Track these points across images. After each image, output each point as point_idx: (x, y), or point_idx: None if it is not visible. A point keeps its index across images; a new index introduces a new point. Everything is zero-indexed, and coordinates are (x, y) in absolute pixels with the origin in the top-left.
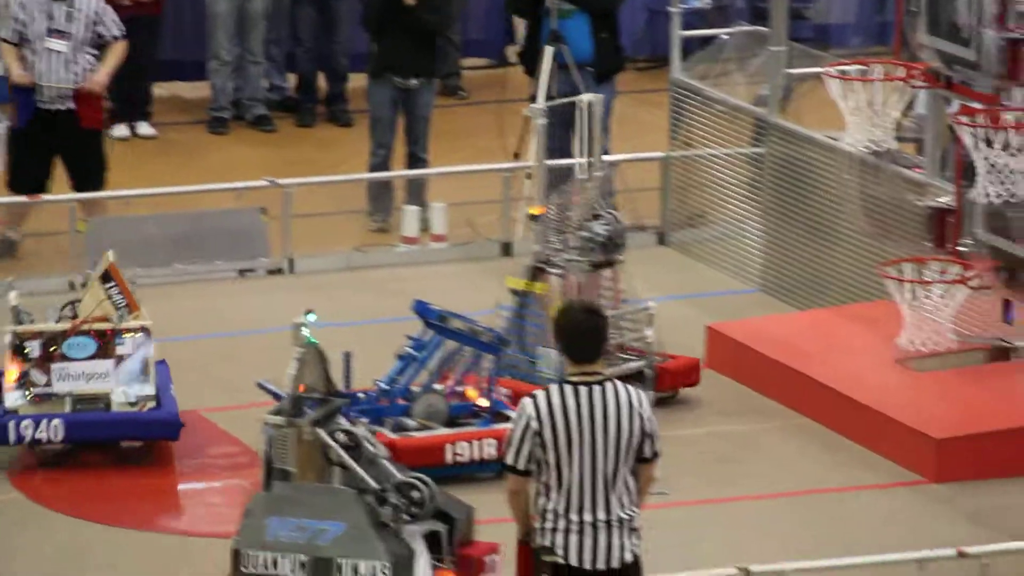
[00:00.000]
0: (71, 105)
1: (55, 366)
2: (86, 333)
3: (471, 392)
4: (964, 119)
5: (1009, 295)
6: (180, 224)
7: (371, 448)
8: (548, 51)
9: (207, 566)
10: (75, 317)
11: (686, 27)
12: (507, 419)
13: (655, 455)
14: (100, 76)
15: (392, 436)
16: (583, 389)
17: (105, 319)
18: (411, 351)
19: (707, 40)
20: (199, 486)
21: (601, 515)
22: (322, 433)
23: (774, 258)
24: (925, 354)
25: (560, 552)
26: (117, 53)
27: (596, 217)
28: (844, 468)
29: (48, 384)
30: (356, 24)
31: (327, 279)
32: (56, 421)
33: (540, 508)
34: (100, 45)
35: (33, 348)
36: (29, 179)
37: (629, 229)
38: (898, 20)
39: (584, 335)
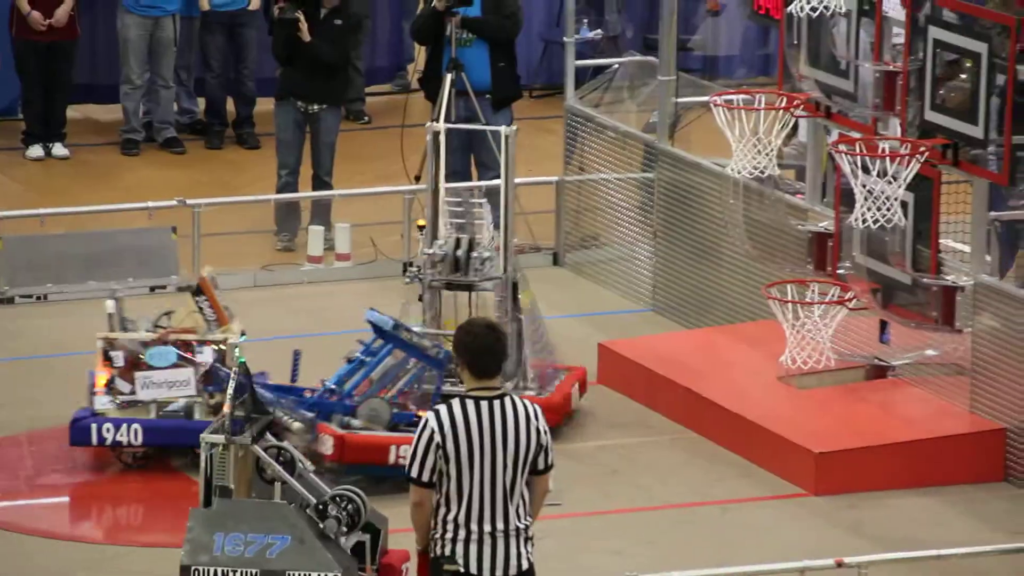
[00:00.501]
0: None
1: (139, 374)
2: (170, 343)
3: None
4: (843, 147)
5: (885, 316)
6: (94, 242)
7: (302, 464)
8: (447, 78)
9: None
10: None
11: (579, 57)
12: None
13: (549, 467)
14: None
15: (339, 431)
16: (484, 403)
17: (191, 331)
18: (360, 356)
19: (600, 69)
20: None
21: (500, 525)
22: (259, 450)
23: (664, 278)
24: (806, 372)
25: (460, 561)
26: None
27: (460, 240)
28: (728, 481)
29: (132, 392)
30: (263, 50)
31: (236, 296)
32: (136, 426)
33: (440, 518)
34: None
35: (118, 357)
36: None
37: (483, 258)
38: (780, 52)
39: (486, 351)
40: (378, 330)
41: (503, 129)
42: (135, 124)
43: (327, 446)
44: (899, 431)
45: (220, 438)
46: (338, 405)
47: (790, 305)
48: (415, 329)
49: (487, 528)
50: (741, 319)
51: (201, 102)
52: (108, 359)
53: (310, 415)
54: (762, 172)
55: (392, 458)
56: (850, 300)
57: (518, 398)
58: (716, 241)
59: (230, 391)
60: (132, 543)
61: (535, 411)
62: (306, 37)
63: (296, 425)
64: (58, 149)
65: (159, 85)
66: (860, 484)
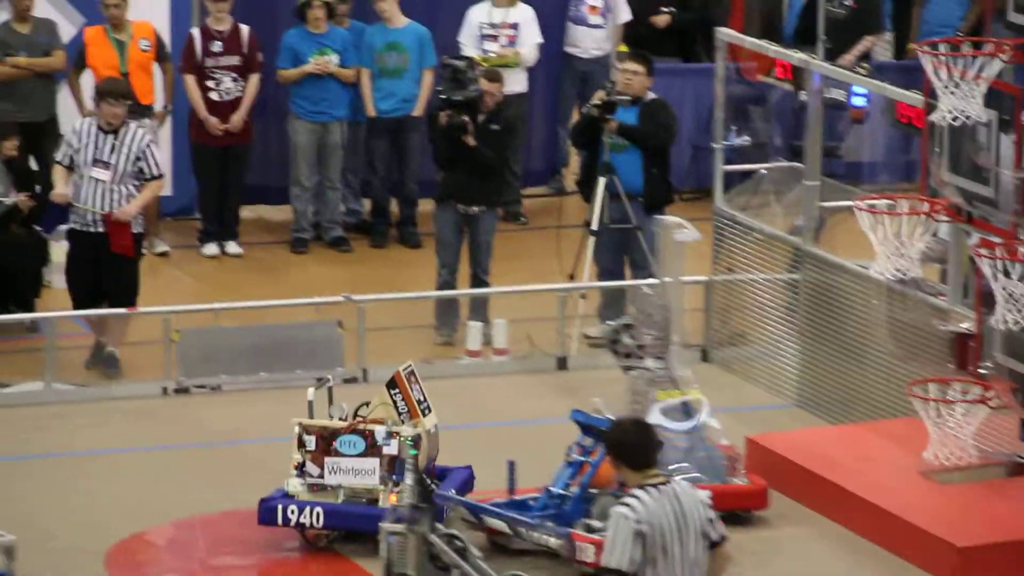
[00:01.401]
0: (102, 229)
1: (328, 460)
2: (360, 433)
3: None
4: (983, 251)
5: None
6: (264, 335)
7: (473, 551)
8: (601, 181)
9: None
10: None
11: (728, 162)
12: None
13: (723, 537)
14: (130, 207)
15: (592, 536)
16: (663, 488)
17: (381, 422)
18: (578, 457)
19: (747, 174)
20: None
21: None
22: (436, 539)
23: (809, 375)
24: (949, 468)
25: None
26: (151, 189)
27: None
28: (872, 571)
29: (321, 476)
30: (425, 154)
31: None
32: (318, 509)
33: None
34: (142, 179)
35: (310, 441)
36: (81, 294)
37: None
38: (923, 159)
39: (643, 446)
40: (586, 429)
41: (681, 235)
42: (304, 224)
43: (588, 553)
44: None
45: (400, 527)
46: (575, 509)
47: (933, 403)
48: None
49: None
50: (884, 416)
51: (366, 203)
52: (302, 443)
53: (564, 530)
54: (904, 274)
55: None
56: (991, 399)
57: (680, 479)
58: (860, 340)
59: (408, 482)
60: None
61: (695, 486)
62: (471, 142)
63: (555, 543)
64: (232, 247)
65: (327, 187)
66: None
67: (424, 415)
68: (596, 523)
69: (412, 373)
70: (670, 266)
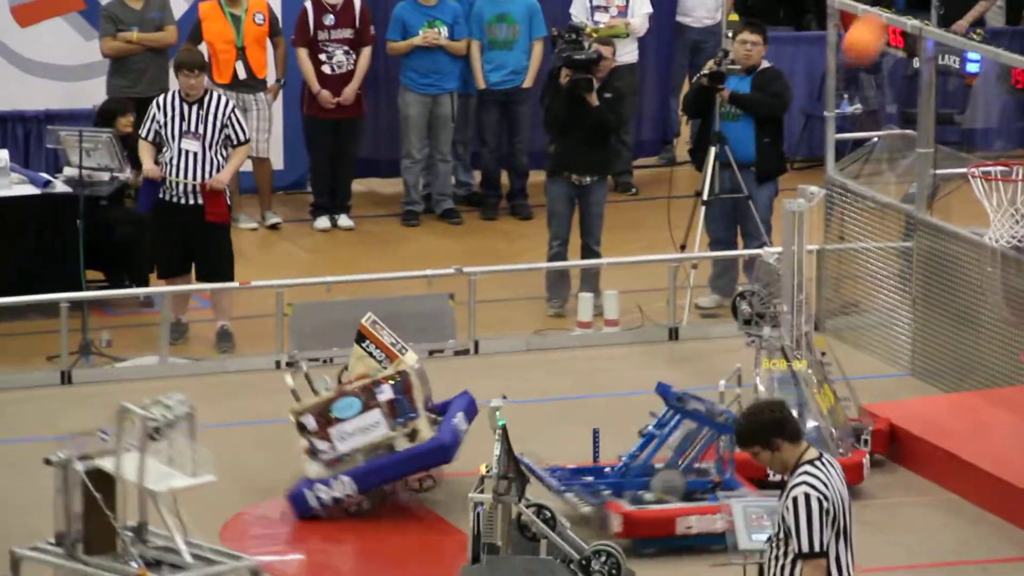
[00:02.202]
0: (198, 200)
1: (332, 430)
2: (351, 393)
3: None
4: None
5: None
6: (376, 308)
7: (563, 520)
8: (712, 151)
9: None
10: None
11: (839, 131)
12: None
13: None
14: (223, 174)
15: (628, 507)
16: (823, 461)
17: (365, 376)
18: (652, 429)
19: (859, 142)
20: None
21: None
22: (524, 509)
23: (922, 345)
24: None
25: None
26: (240, 155)
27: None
28: (987, 541)
29: (333, 448)
30: (536, 126)
31: (509, 360)
32: (344, 478)
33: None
34: (230, 146)
35: (309, 421)
36: (172, 265)
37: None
38: None
39: (791, 418)
40: (667, 402)
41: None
42: (415, 196)
43: (616, 524)
44: None
45: (488, 497)
46: (632, 480)
47: None
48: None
49: None
50: (999, 384)
51: (477, 175)
52: (303, 427)
53: (597, 500)
54: (1020, 241)
55: (680, 529)
56: None
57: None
58: (974, 308)
59: (496, 452)
60: None
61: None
62: (595, 101)
63: (586, 509)
64: (343, 220)
65: (437, 159)
66: None
67: (402, 354)
68: (648, 495)
69: (375, 322)
70: (785, 235)
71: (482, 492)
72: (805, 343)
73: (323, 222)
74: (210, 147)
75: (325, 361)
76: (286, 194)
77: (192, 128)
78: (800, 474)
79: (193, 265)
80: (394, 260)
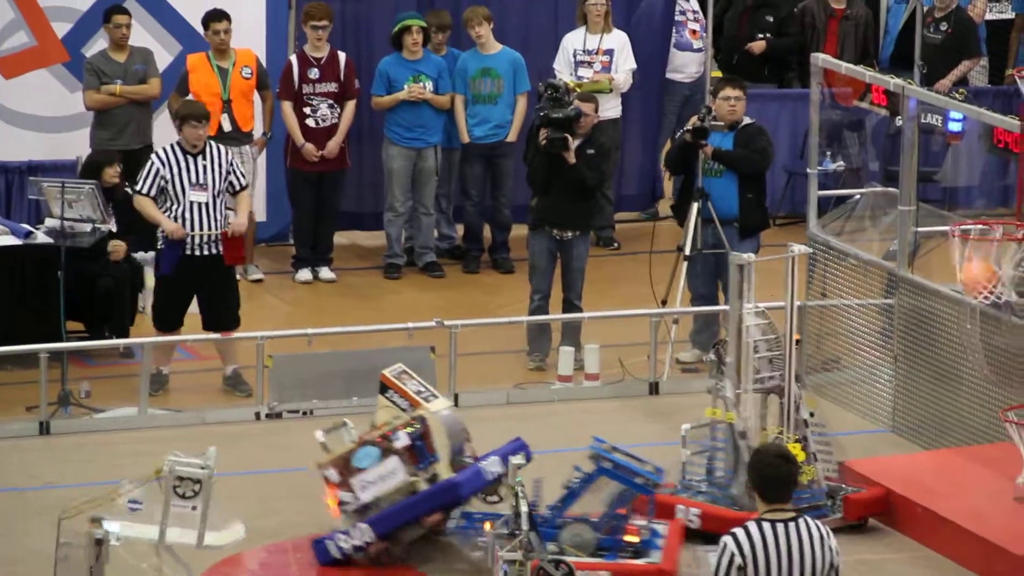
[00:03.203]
0: (215, 250)
1: (354, 481)
2: (370, 442)
3: (630, 533)
4: None
5: None
6: (357, 360)
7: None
8: (694, 206)
9: None
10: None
11: (822, 187)
12: (643, 556)
13: None
14: (240, 219)
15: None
16: (779, 525)
17: (384, 425)
18: (574, 483)
19: (842, 199)
20: None
21: None
22: (548, 565)
23: (904, 401)
24: None
25: None
26: (246, 200)
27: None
28: None
29: (356, 499)
30: (519, 180)
31: (489, 413)
32: (362, 525)
33: None
34: (232, 192)
35: (331, 474)
36: (173, 319)
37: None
38: (1020, 184)
39: (778, 480)
40: (593, 456)
41: (744, 257)
42: (397, 249)
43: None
44: None
45: (519, 556)
46: (544, 531)
47: None
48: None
49: None
50: (980, 441)
51: (459, 228)
52: (328, 480)
53: (487, 540)
54: (999, 299)
55: None
56: None
57: (811, 519)
58: (955, 365)
59: (523, 510)
60: None
61: (827, 531)
62: (571, 159)
63: (476, 554)
64: (325, 273)
65: (421, 212)
66: None
67: (427, 402)
68: (554, 546)
69: (404, 372)
70: (732, 288)
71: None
72: (789, 400)
73: (305, 274)
74: (217, 196)
75: (305, 413)
76: (268, 246)
77: (199, 180)
78: (742, 525)
79: (201, 314)
80: (375, 312)
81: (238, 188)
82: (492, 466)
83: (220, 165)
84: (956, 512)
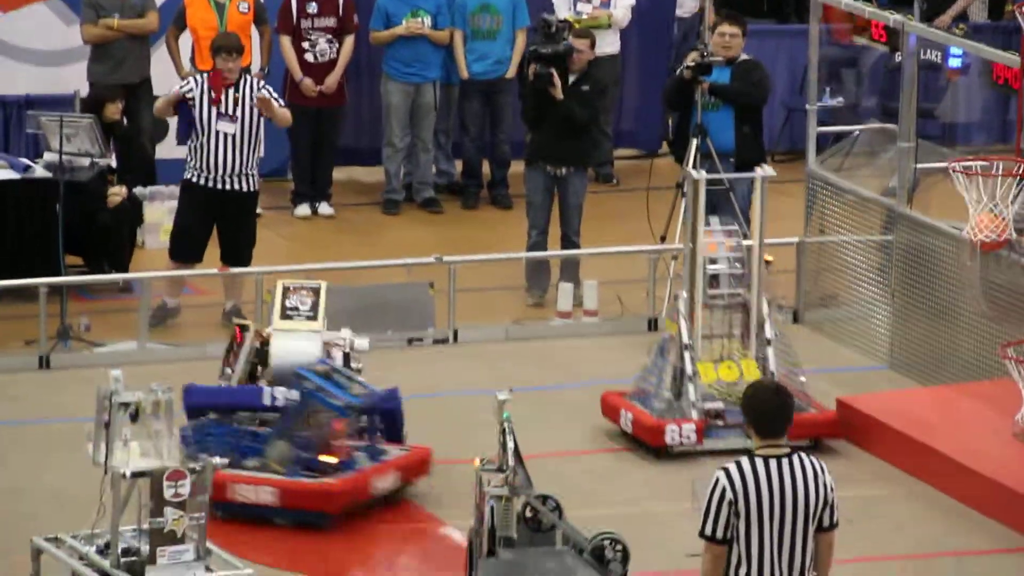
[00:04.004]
0: (238, 185)
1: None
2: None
3: (332, 454)
4: None
5: None
6: (356, 297)
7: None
8: (693, 142)
9: None
10: None
11: (821, 124)
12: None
13: (834, 524)
14: (275, 105)
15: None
16: (772, 461)
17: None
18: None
19: (840, 136)
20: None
21: None
22: (535, 501)
23: (901, 337)
24: None
25: None
26: (282, 110)
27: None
28: (962, 534)
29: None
30: (517, 116)
31: (488, 349)
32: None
33: (732, 574)
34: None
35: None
36: (190, 251)
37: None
38: (1019, 120)
39: (774, 414)
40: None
41: (759, 172)
42: (396, 185)
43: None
44: None
45: (505, 491)
46: (249, 447)
47: None
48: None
49: None
50: (976, 377)
51: (458, 165)
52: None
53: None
54: (998, 235)
55: (230, 495)
56: None
57: (805, 455)
58: (953, 302)
59: (510, 445)
60: None
61: (822, 467)
62: (559, 95)
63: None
64: (324, 208)
65: (419, 148)
66: None
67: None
68: (254, 462)
69: (301, 289)
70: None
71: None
72: (752, 318)
73: (303, 210)
74: (248, 131)
75: None
76: (266, 181)
77: (228, 111)
78: (735, 460)
79: (220, 247)
80: (374, 248)
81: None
82: (279, 393)
83: (253, 98)
84: (954, 448)
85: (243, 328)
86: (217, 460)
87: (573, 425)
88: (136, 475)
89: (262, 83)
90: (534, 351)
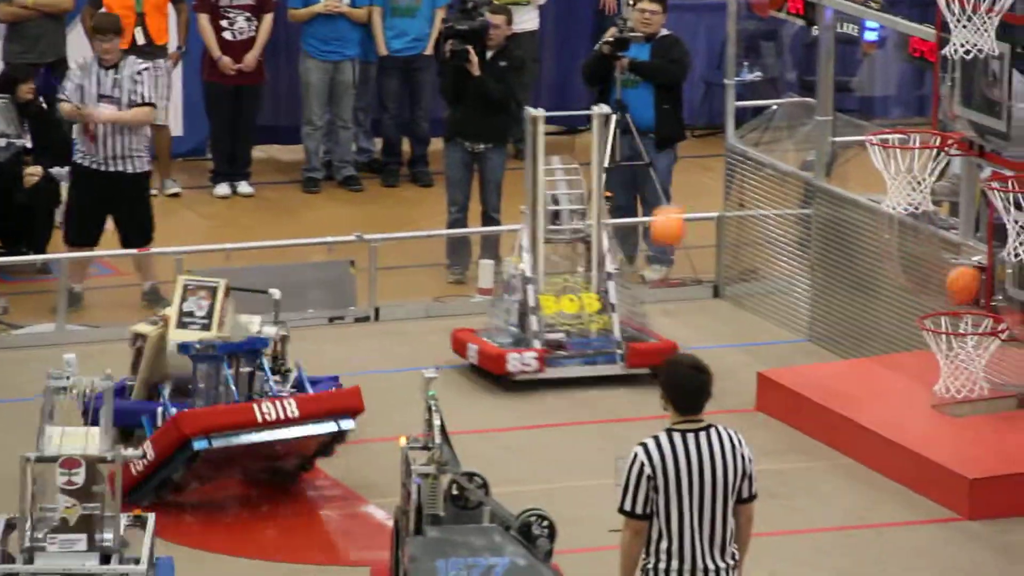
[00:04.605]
0: (122, 166)
1: None
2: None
3: None
4: (995, 184)
5: None
6: (276, 276)
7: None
8: (612, 118)
9: None
10: None
11: (739, 98)
12: None
13: (753, 495)
14: (107, 112)
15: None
16: (690, 436)
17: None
18: None
19: (759, 110)
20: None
21: (711, 562)
22: (462, 479)
23: (820, 310)
24: (960, 401)
25: None
26: (136, 112)
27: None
28: (884, 505)
29: None
30: (437, 93)
31: (409, 326)
32: None
33: (654, 549)
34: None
35: None
36: (84, 235)
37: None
38: (935, 93)
39: (692, 391)
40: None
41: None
42: (316, 163)
43: None
44: None
45: (432, 469)
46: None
47: (944, 336)
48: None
49: (700, 563)
50: (896, 349)
51: (378, 142)
52: None
53: None
54: (916, 208)
55: None
56: (1003, 331)
57: (723, 428)
58: (872, 274)
59: (437, 423)
60: None
61: (740, 439)
62: (475, 71)
63: None
64: (243, 187)
65: (338, 126)
66: (1012, 509)
67: (179, 327)
68: None
69: (200, 287)
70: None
71: (422, 464)
72: (593, 252)
73: (223, 189)
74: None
75: None
76: (185, 161)
77: (108, 92)
78: (652, 436)
79: (118, 232)
80: (295, 227)
81: (139, 102)
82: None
83: (129, 79)
84: (875, 421)
85: (142, 336)
86: (130, 452)
87: (497, 402)
88: (40, 460)
89: (142, 66)
90: (456, 327)
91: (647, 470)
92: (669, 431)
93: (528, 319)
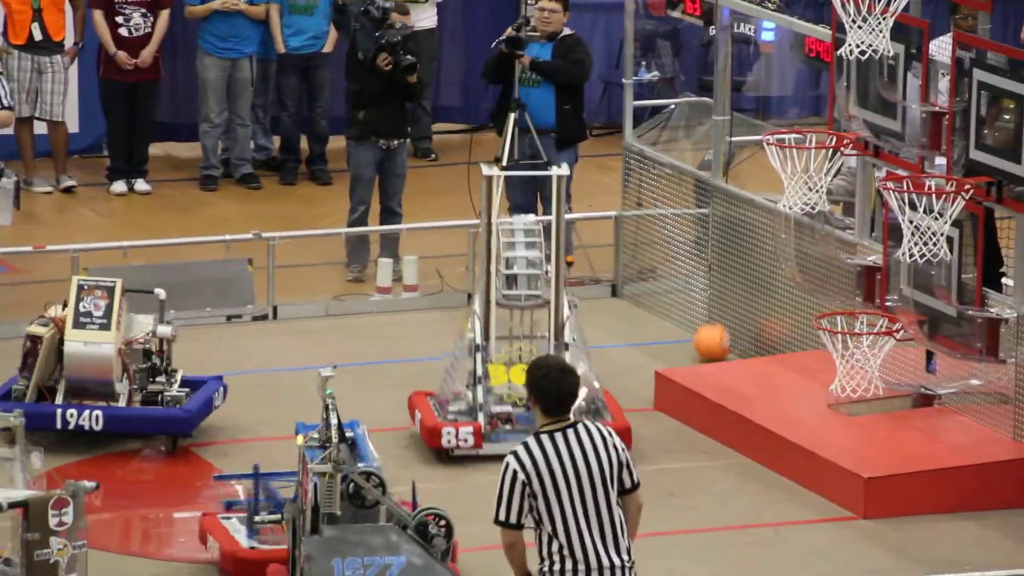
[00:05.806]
0: None
1: None
2: None
3: None
4: (891, 184)
5: (931, 347)
6: (174, 273)
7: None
8: (511, 117)
9: None
10: None
11: (637, 98)
12: None
13: (636, 484)
14: None
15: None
16: (558, 435)
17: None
18: None
19: (657, 109)
20: (188, 516)
21: (604, 557)
22: (359, 478)
23: (718, 310)
24: (855, 400)
25: None
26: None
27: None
28: (780, 504)
29: None
30: (335, 91)
31: (307, 325)
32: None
33: (547, 551)
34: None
35: None
36: None
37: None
38: (831, 94)
39: (559, 392)
40: None
41: (554, 171)
42: (213, 161)
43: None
44: (945, 457)
45: (328, 467)
46: None
47: (840, 336)
48: None
49: (594, 561)
50: (792, 349)
51: (276, 140)
52: None
53: None
54: (812, 208)
55: None
56: (898, 331)
57: (590, 423)
58: (768, 274)
59: (334, 422)
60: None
61: (608, 431)
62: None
63: None
64: (140, 184)
65: (236, 123)
66: (907, 508)
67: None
68: None
69: (97, 288)
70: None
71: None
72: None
73: (119, 186)
74: None
75: None
76: (82, 157)
77: None
78: (521, 442)
79: None
80: (192, 225)
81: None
82: (71, 417)
83: None
84: (771, 420)
85: (36, 338)
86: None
87: (394, 400)
88: (13, 505)
89: None
90: (354, 327)
91: (520, 477)
92: (537, 434)
93: (475, 389)
